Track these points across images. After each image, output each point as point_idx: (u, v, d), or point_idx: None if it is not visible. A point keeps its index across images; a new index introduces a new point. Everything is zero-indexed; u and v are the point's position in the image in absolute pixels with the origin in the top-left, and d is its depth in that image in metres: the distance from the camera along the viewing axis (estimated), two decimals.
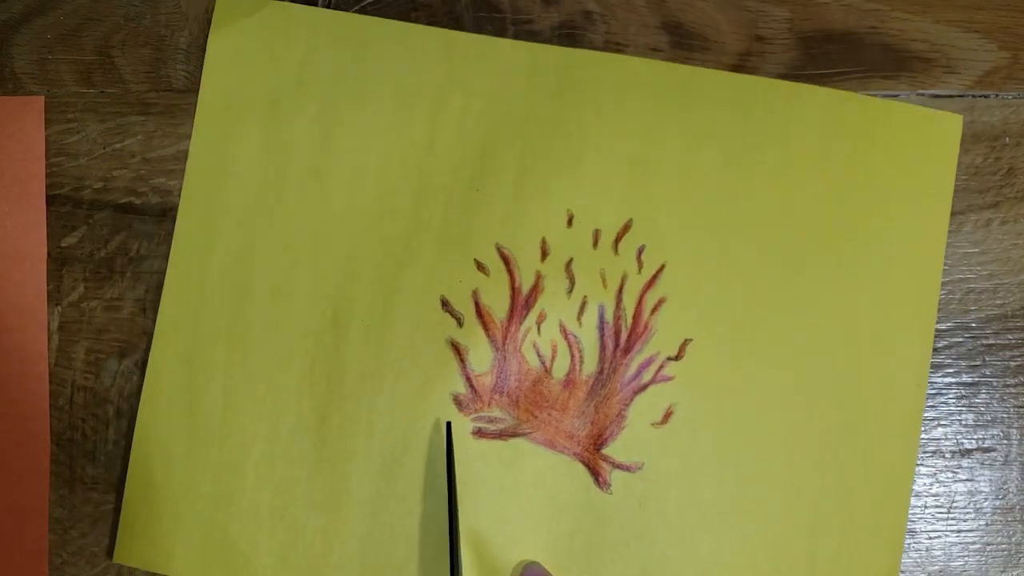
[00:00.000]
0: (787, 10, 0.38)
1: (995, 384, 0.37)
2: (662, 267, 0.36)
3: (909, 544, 0.36)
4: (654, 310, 0.36)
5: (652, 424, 0.36)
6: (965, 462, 0.37)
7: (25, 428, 0.37)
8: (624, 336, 0.36)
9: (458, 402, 0.36)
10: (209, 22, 0.38)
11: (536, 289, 0.36)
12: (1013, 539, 0.37)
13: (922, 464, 0.37)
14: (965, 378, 0.37)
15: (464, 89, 0.37)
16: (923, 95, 0.38)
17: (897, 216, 0.36)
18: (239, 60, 0.37)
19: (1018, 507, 0.37)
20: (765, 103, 0.37)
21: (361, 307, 0.36)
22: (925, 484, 0.37)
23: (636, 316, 0.36)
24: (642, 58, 0.37)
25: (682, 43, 0.38)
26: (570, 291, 0.36)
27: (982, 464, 0.37)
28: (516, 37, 0.38)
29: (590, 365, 0.36)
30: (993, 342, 0.37)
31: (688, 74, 0.37)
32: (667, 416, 0.36)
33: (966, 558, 0.36)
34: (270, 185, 0.36)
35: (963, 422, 0.37)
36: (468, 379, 0.36)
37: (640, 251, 0.36)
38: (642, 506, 0.35)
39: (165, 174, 0.38)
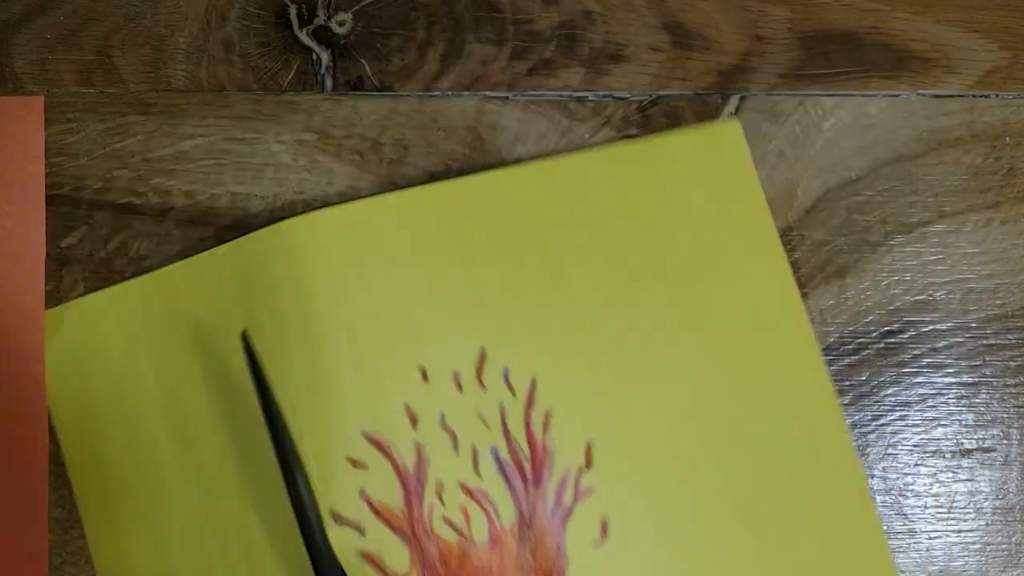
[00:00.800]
0: (787, 10, 0.38)
1: (995, 384, 0.37)
2: (533, 381, 0.34)
3: (909, 544, 0.36)
4: (545, 428, 0.34)
5: (594, 545, 0.33)
6: (965, 462, 0.37)
7: (25, 428, 0.37)
8: (528, 468, 0.34)
9: None
10: (209, 22, 0.38)
11: (421, 461, 0.33)
12: (1013, 539, 0.37)
13: (922, 464, 0.37)
14: (965, 378, 0.37)
15: (234, 302, 0.35)
16: (923, 95, 0.38)
17: (721, 237, 0.35)
18: (69, 374, 0.35)
19: (1018, 507, 0.37)
20: (546, 186, 0.35)
21: (270, 565, 0.33)
22: (925, 484, 0.37)
23: (530, 442, 0.34)
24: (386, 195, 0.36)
25: (682, 43, 0.38)
26: (455, 447, 0.33)
27: (982, 464, 0.37)
28: (516, 38, 0.38)
29: (508, 514, 0.33)
30: (993, 342, 0.37)
31: (456, 188, 0.35)
32: (604, 529, 0.34)
33: (966, 558, 0.36)
34: (150, 468, 0.34)
35: (963, 422, 0.37)
36: None
37: (506, 375, 0.34)
38: None
39: (165, 174, 0.37)
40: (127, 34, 0.38)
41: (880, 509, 0.37)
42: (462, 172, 0.37)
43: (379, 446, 0.33)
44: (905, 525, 0.37)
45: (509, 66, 0.38)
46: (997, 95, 0.38)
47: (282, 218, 0.37)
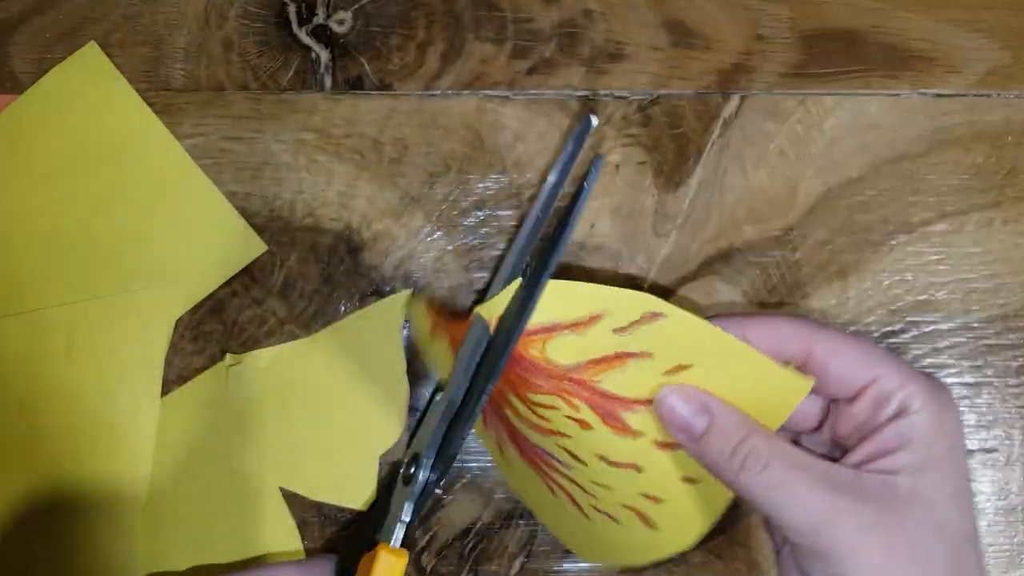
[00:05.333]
0: (788, 9, 0.38)
1: (997, 384, 0.37)
2: None
3: None
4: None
5: None
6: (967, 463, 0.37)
7: None
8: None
9: None
10: (208, 21, 0.38)
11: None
12: (1015, 540, 0.37)
13: None
14: (967, 378, 0.37)
15: None
16: (924, 94, 0.37)
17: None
18: None
19: (1020, 508, 0.37)
20: None
21: None
22: None
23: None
24: None
25: (683, 42, 0.38)
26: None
27: (984, 465, 0.37)
28: (516, 37, 0.38)
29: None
30: (995, 342, 0.37)
31: None
32: None
33: None
34: None
35: (965, 423, 0.37)
36: None
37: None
38: None
39: None
40: (126, 33, 0.38)
41: None
42: (462, 171, 0.37)
43: None
44: None
45: (509, 65, 0.38)
46: (998, 94, 0.37)
47: (281, 217, 0.37)
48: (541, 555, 0.37)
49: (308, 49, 0.38)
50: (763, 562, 0.37)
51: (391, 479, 0.35)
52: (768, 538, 0.36)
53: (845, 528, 0.26)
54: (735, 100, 0.37)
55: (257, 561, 0.36)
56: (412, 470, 0.30)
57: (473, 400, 0.29)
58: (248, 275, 0.37)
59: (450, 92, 0.38)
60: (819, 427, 0.31)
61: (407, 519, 0.28)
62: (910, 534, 0.27)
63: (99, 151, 0.37)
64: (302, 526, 0.36)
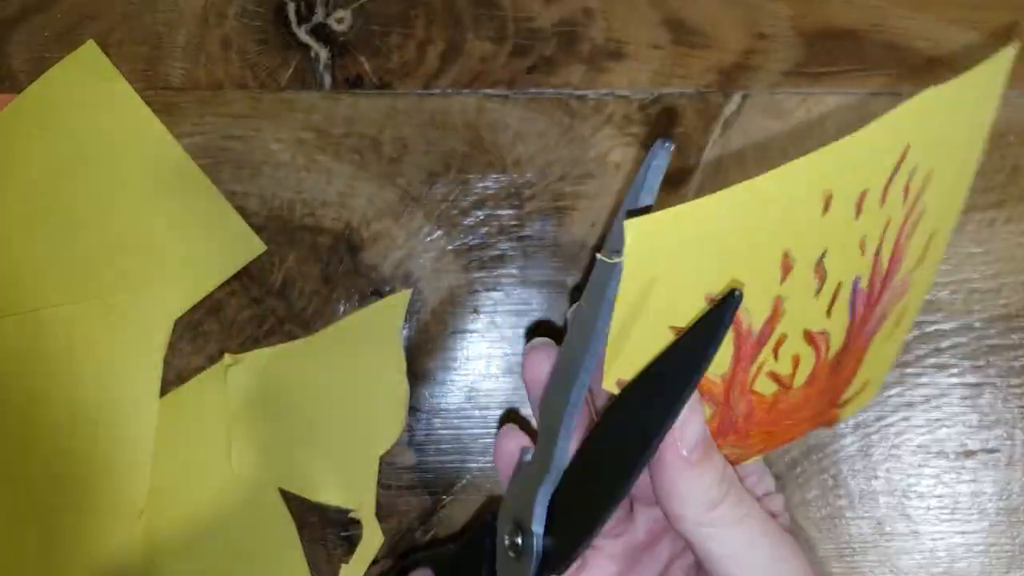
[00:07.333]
0: (789, 7, 0.38)
1: (999, 385, 0.37)
2: (929, 175, 0.26)
3: (913, 546, 0.36)
4: (910, 233, 0.27)
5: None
6: (969, 463, 0.37)
7: None
8: (878, 287, 0.27)
9: None
10: (207, 19, 0.38)
11: (774, 318, 0.25)
12: (1017, 540, 0.37)
13: (926, 465, 0.37)
14: (969, 379, 0.37)
15: None
16: None
17: None
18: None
19: (1021, 508, 0.37)
20: None
21: None
22: (929, 486, 0.36)
23: (894, 256, 0.26)
24: None
25: (683, 40, 0.37)
26: (819, 290, 0.26)
27: (986, 465, 0.37)
28: (516, 35, 0.38)
29: (836, 343, 0.27)
30: (997, 342, 0.37)
31: None
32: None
33: (970, 559, 0.36)
34: None
35: (967, 423, 0.37)
36: None
37: (910, 175, 0.26)
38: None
39: None
40: (124, 32, 0.38)
41: (884, 511, 0.36)
42: (462, 170, 0.37)
43: None
44: (909, 527, 0.36)
45: (509, 64, 0.37)
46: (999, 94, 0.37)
47: (280, 217, 0.37)
48: None
49: (307, 48, 0.38)
50: None
51: (483, 535, 0.29)
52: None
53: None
54: (736, 99, 0.37)
55: (256, 559, 0.36)
56: (519, 540, 0.25)
57: (605, 474, 0.24)
58: (247, 275, 0.37)
59: (450, 91, 0.37)
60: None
61: None
62: None
63: (97, 150, 0.37)
64: (302, 526, 0.36)
